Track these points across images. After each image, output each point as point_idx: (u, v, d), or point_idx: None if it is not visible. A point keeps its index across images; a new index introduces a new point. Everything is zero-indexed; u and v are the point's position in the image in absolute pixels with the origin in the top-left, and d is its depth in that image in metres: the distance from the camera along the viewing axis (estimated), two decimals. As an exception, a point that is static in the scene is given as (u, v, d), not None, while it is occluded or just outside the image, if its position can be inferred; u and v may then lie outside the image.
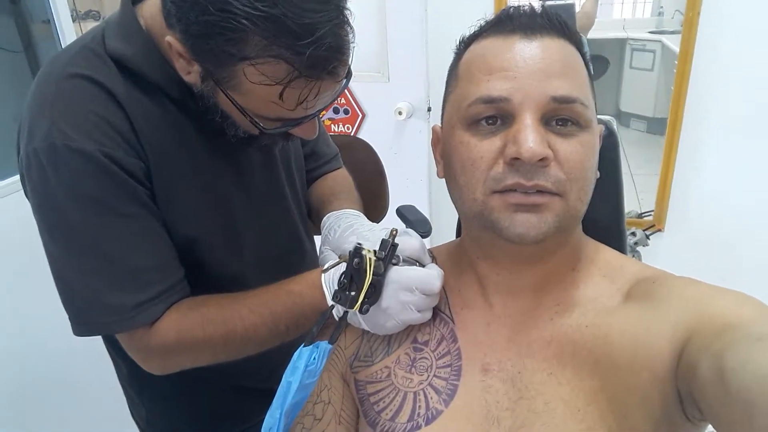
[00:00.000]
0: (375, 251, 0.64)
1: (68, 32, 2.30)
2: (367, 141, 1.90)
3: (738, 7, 1.65)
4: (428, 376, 0.62)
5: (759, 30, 1.65)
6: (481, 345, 0.62)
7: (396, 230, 0.66)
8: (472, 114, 0.56)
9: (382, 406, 0.63)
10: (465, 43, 0.62)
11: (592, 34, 2.31)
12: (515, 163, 0.53)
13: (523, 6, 0.59)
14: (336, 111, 2.19)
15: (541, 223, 0.54)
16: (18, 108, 1.99)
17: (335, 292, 0.65)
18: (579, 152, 0.54)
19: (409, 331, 0.66)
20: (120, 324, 0.72)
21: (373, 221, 1.93)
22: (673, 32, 3.45)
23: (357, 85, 2.14)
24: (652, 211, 1.99)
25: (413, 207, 1.85)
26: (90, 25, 2.25)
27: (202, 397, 0.94)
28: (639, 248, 1.84)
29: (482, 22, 0.61)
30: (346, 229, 0.83)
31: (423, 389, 0.62)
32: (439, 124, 0.66)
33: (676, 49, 3.10)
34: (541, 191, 0.53)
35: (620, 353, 0.55)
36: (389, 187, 1.89)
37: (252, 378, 0.91)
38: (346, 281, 0.64)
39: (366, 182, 1.87)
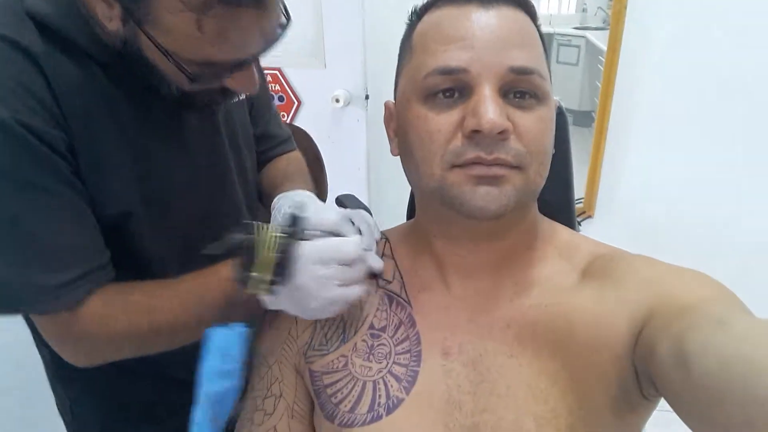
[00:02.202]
0: (279, 227, 0.59)
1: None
2: (304, 129, 1.85)
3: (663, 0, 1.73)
4: (387, 363, 0.60)
5: (684, 23, 1.73)
6: (440, 328, 0.60)
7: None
8: (428, 86, 0.54)
9: (340, 398, 0.60)
10: (418, 14, 0.60)
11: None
12: (475, 136, 0.51)
13: None
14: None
15: (502, 196, 0.53)
16: None
17: (236, 273, 0.60)
18: (538, 125, 0.54)
19: (365, 317, 0.63)
20: (40, 304, 0.66)
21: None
22: (596, 28, 3.63)
23: (292, 72, 2.08)
24: (582, 198, 2.06)
25: (352, 196, 1.82)
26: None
27: (132, 389, 0.87)
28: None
29: None
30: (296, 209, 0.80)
31: (383, 377, 0.59)
32: (392, 100, 0.64)
33: (600, 44, 3.23)
34: (501, 164, 0.52)
35: (580, 332, 0.55)
36: (327, 176, 1.85)
37: (185, 368, 0.86)
38: (247, 261, 0.59)
39: (303, 171, 1.83)
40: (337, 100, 1.96)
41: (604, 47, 1.95)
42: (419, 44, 0.57)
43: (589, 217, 2.05)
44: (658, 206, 1.95)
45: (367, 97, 1.97)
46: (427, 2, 0.59)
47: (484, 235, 0.59)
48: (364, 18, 1.89)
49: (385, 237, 0.70)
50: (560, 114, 0.73)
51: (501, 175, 0.52)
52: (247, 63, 0.66)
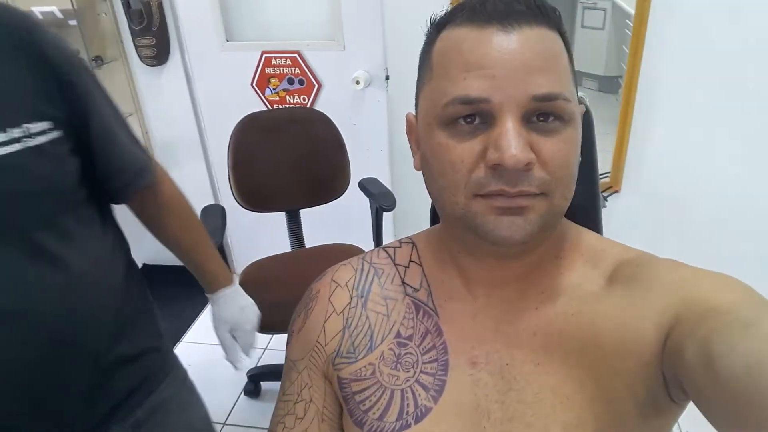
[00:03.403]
0: None
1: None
2: (325, 112, 1.84)
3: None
4: (414, 372, 0.61)
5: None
6: (467, 338, 0.61)
7: None
8: (449, 114, 0.53)
9: (368, 405, 0.61)
10: (436, 28, 0.58)
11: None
12: (498, 168, 0.51)
13: None
14: (291, 81, 2.11)
15: (526, 225, 0.52)
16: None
17: None
18: (562, 150, 0.52)
19: (392, 325, 0.64)
20: None
21: (334, 195, 1.90)
22: (623, -10, 3.49)
23: (311, 54, 2.06)
24: (608, 173, 2.03)
25: (376, 180, 1.83)
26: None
27: None
28: (598, 210, 1.88)
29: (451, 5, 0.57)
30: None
31: (410, 386, 0.60)
32: (413, 113, 0.63)
33: (627, 7, 3.12)
34: (525, 195, 0.52)
35: (607, 340, 0.55)
36: (350, 159, 1.86)
37: None
38: None
39: (325, 155, 1.84)
40: (358, 82, 1.94)
41: (631, 10, 1.88)
42: (439, 65, 0.55)
43: (616, 191, 2.01)
44: (686, 179, 1.91)
45: (387, 78, 1.95)
46: (446, 17, 0.57)
47: (510, 256, 0.59)
48: (382, -3, 1.85)
49: (413, 242, 0.70)
50: (585, 112, 0.71)
51: (525, 206, 0.52)
52: None
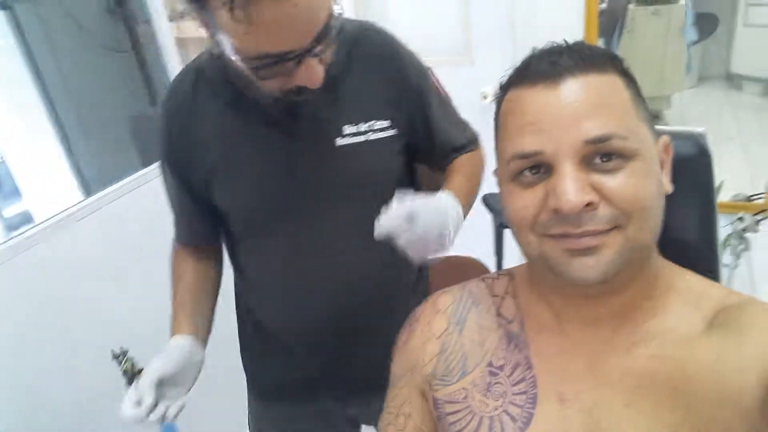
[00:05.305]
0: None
1: (167, 32, 2.44)
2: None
3: None
4: (503, 402, 0.63)
5: None
6: (557, 373, 0.62)
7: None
8: (512, 169, 0.58)
9: (459, 427, 0.65)
10: (500, 91, 0.63)
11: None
12: (558, 212, 0.54)
13: (546, 47, 0.59)
14: (420, 96, 2.18)
15: (599, 264, 0.54)
16: (129, 105, 2.15)
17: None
18: (629, 185, 0.53)
19: (485, 353, 0.67)
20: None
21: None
22: (797, -18, 3.08)
23: (439, 69, 2.11)
24: (763, 193, 1.83)
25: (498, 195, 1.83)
26: (187, 24, 2.36)
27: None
28: (748, 235, 1.71)
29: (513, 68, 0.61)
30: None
31: (498, 415, 0.63)
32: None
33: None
34: (591, 235, 0.53)
35: (703, 385, 0.54)
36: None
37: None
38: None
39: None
40: (485, 97, 1.96)
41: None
42: (501, 125, 0.61)
43: (773, 215, 1.81)
44: None
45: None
46: (507, 80, 0.61)
47: (596, 293, 0.60)
48: (513, 12, 1.85)
49: (511, 274, 0.73)
50: (701, 154, 0.68)
51: (593, 246, 0.53)
52: (302, 56, 0.71)
